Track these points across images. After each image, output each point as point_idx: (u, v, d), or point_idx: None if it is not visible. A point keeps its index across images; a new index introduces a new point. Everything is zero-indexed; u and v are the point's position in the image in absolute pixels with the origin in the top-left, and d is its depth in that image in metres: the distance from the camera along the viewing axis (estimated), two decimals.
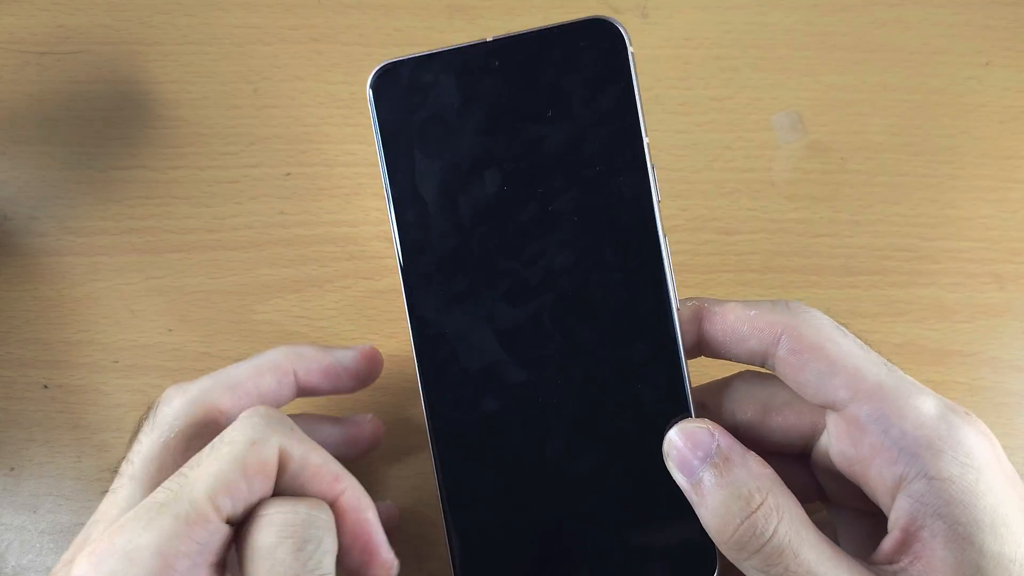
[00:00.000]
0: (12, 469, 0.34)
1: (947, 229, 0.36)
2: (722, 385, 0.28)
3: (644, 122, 0.25)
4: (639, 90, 0.25)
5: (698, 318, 0.26)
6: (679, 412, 0.26)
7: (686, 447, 0.25)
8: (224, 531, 0.23)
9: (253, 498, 0.23)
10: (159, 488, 0.23)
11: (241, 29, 0.38)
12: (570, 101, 0.26)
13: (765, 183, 0.37)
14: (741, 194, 0.37)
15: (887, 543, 0.24)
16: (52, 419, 0.35)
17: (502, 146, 0.26)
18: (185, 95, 0.38)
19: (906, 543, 0.23)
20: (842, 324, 0.26)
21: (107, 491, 0.26)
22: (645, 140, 0.25)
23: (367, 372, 0.30)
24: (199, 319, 0.36)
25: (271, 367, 0.28)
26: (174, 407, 0.27)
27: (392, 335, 0.35)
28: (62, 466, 0.34)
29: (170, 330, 0.35)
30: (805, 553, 0.23)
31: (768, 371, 0.27)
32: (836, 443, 0.25)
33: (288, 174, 0.37)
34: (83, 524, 0.33)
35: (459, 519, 0.26)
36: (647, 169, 0.26)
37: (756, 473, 0.24)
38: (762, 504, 0.23)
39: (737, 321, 0.26)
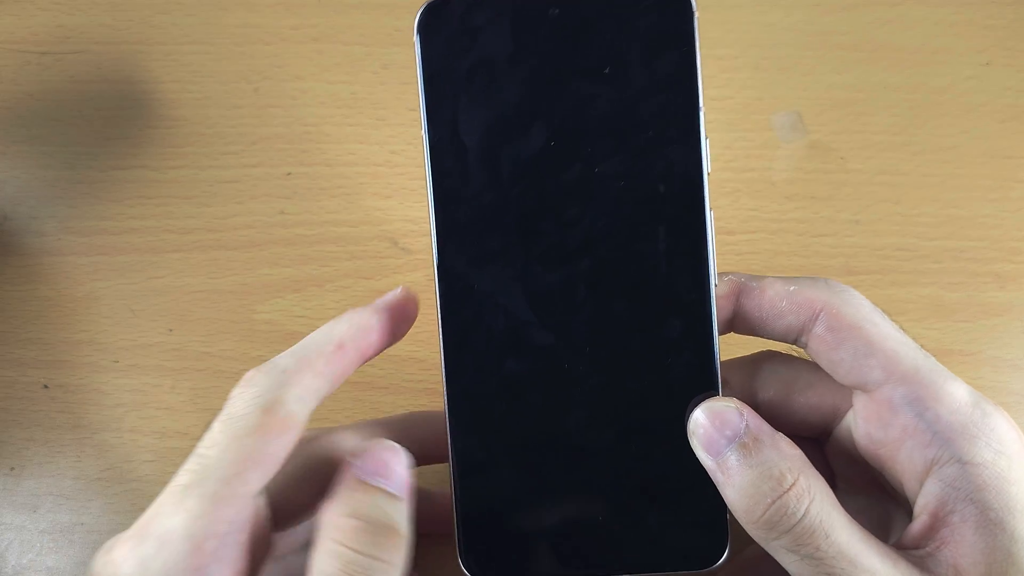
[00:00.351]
0: (12, 469, 0.34)
1: (948, 228, 0.36)
2: (746, 363, 0.28)
3: (702, 90, 0.25)
4: (700, 56, 0.24)
5: (735, 293, 0.26)
6: (706, 390, 0.25)
7: (713, 426, 0.24)
8: (254, 505, 0.23)
9: (283, 454, 0.23)
10: (182, 471, 0.23)
11: (242, 29, 0.38)
12: (629, 60, 0.24)
13: (765, 183, 0.37)
14: (741, 194, 0.37)
15: (915, 527, 0.24)
16: (52, 419, 0.35)
17: (553, 100, 0.25)
18: (186, 95, 0.38)
19: (934, 528, 0.23)
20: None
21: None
22: (702, 109, 0.25)
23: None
24: (199, 319, 0.36)
25: (344, 339, 0.26)
26: (246, 399, 0.24)
27: None
28: (62, 466, 0.34)
29: (170, 330, 0.35)
30: (836, 534, 0.22)
31: (792, 352, 0.26)
32: (864, 425, 0.25)
33: (289, 174, 0.37)
34: (83, 524, 0.33)
35: (467, 484, 0.25)
36: (700, 139, 0.25)
37: (787, 454, 0.23)
38: (794, 484, 0.23)
39: (776, 296, 0.25)
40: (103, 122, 0.37)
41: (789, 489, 0.23)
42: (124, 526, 0.34)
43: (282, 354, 0.25)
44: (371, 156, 0.37)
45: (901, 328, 0.25)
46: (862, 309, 0.25)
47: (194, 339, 0.35)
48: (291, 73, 0.38)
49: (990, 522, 0.23)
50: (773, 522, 0.23)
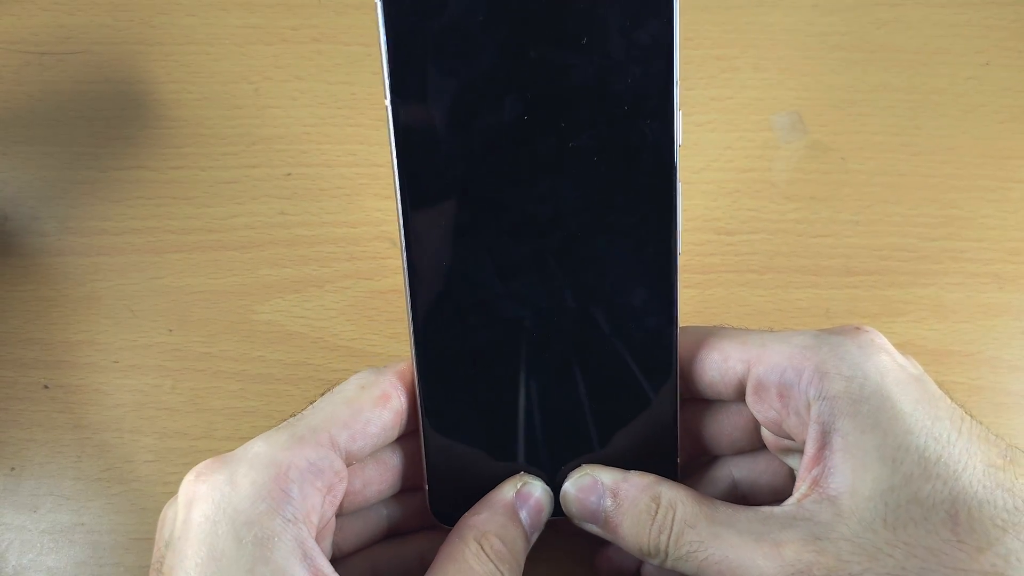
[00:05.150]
0: (12, 469, 0.34)
1: (947, 229, 0.36)
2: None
3: (679, 64, 0.24)
4: (679, 30, 0.24)
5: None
6: (664, 361, 0.26)
7: (582, 497, 0.27)
8: (338, 465, 0.25)
9: (374, 429, 0.26)
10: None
11: (242, 29, 0.38)
12: (607, 29, 0.23)
13: (765, 183, 0.37)
14: (741, 194, 0.37)
15: (801, 474, 0.25)
16: (52, 419, 0.35)
17: (527, 69, 0.23)
18: (186, 95, 0.38)
19: (817, 466, 0.25)
20: (839, 324, 0.26)
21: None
22: (677, 84, 0.24)
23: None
24: (199, 319, 0.36)
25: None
26: (351, 380, 0.27)
27: (393, 335, 0.35)
28: (62, 466, 0.34)
29: (170, 330, 0.36)
30: (700, 523, 0.25)
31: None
32: (762, 417, 0.27)
33: (289, 174, 0.37)
34: (83, 524, 0.33)
35: (435, 442, 0.27)
36: (673, 114, 0.24)
37: (641, 484, 0.26)
38: (658, 507, 0.25)
39: None
40: (103, 122, 0.37)
41: (656, 512, 0.25)
42: (124, 526, 0.34)
43: None
44: (371, 157, 0.37)
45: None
46: (706, 331, 0.27)
47: (194, 339, 0.35)
48: (291, 73, 0.38)
49: (853, 444, 0.24)
50: (657, 546, 0.25)
